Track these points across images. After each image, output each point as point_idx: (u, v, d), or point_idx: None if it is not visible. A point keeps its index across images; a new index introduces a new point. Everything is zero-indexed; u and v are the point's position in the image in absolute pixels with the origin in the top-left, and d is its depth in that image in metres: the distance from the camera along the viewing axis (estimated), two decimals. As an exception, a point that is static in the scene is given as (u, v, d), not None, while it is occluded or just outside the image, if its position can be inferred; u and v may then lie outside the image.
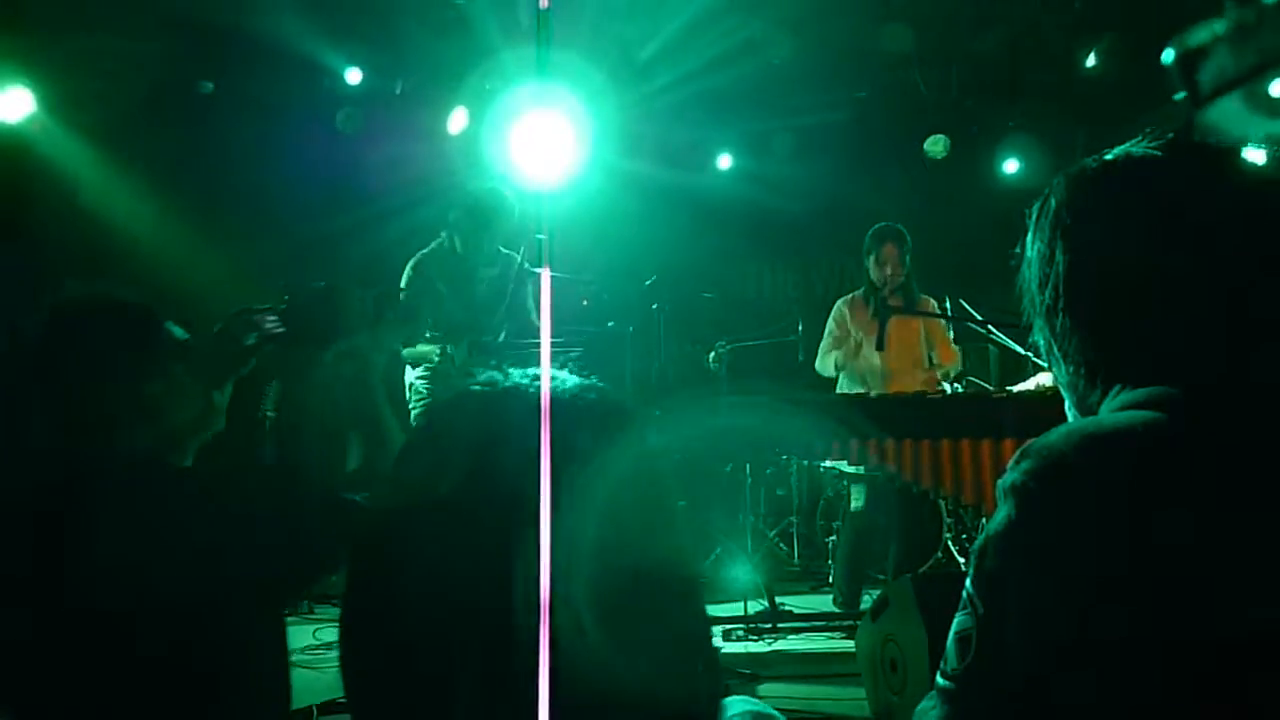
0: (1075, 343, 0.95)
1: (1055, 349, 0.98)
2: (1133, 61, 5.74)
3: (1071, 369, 0.97)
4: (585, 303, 4.93)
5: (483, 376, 0.81)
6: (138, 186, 5.85)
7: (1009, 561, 0.85)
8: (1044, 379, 3.85)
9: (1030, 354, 4.36)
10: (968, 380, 5.06)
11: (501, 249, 4.13)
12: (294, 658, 3.83)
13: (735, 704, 0.77)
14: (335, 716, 2.87)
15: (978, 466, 3.32)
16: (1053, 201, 0.97)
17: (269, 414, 5.27)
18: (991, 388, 5.36)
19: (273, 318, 1.75)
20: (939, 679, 0.91)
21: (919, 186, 6.73)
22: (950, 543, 5.52)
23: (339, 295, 1.76)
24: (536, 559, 0.71)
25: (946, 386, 4.64)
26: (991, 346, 5.79)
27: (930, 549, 4.76)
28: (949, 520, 5.16)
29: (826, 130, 6.58)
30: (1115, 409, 0.89)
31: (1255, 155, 0.90)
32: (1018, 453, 0.87)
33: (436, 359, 4.01)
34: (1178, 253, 0.89)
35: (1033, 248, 0.99)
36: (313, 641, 4.13)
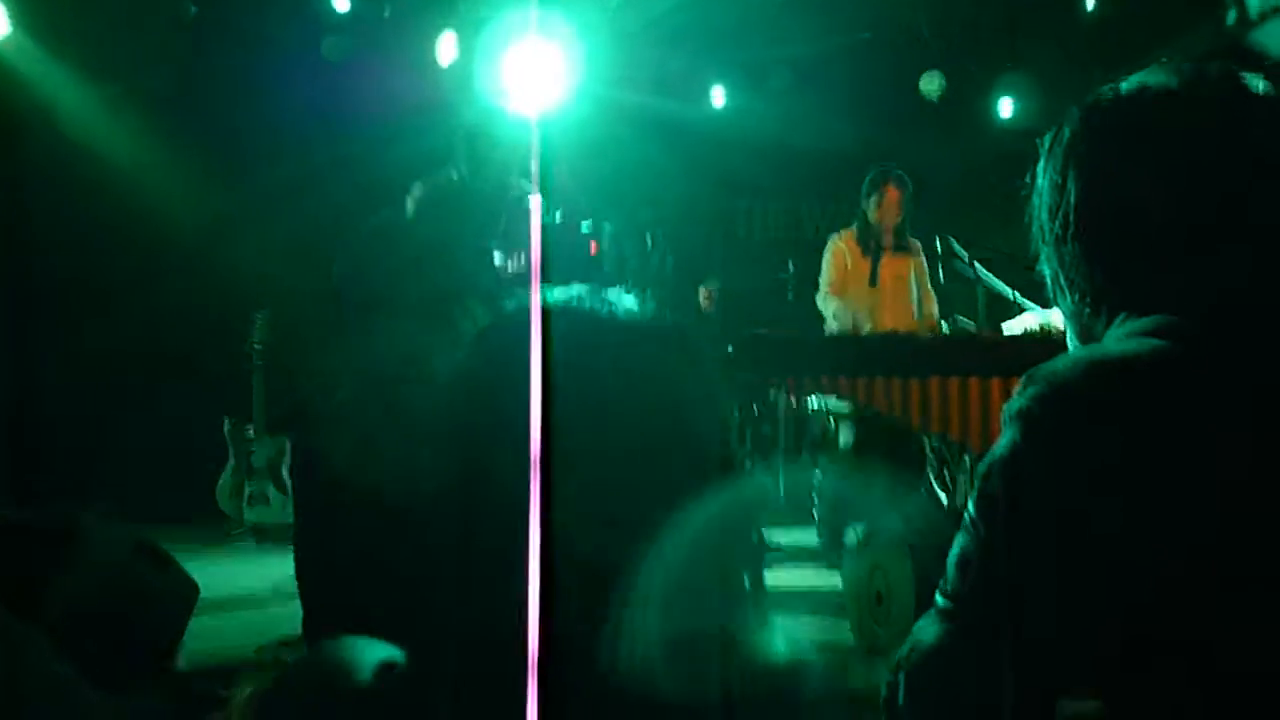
0: (1083, 271, 0.95)
1: (1062, 278, 0.99)
2: (1133, 6, 5.67)
3: (1077, 297, 0.97)
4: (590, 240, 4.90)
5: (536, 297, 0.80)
6: (117, 111, 5.73)
7: (1012, 485, 0.86)
8: (1030, 321, 3.88)
9: (1017, 295, 4.39)
10: (955, 319, 5.09)
11: (508, 177, 4.05)
12: (288, 587, 3.89)
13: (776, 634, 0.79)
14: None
15: (965, 405, 3.36)
16: (1066, 130, 0.97)
17: (256, 345, 5.22)
18: (976, 328, 5.40)
19: None
20: (938, 598, 0.93)
21: (914, 125, 6.67)
22: (933, 478, 5.61)
23: None
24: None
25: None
26: (979, 287, 5.82)
27: (913, 485, 4.83)
28: (931, 459, 5.23)
29: (822, 66, 6.49)
30: (1120, 337, 0.90)
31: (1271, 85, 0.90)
32: (1024, 378, 0.89)
33: None
34: (1187, 184, 0.89)
35: (1044, 176, 0.99)
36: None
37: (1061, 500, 0.84)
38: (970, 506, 0.91)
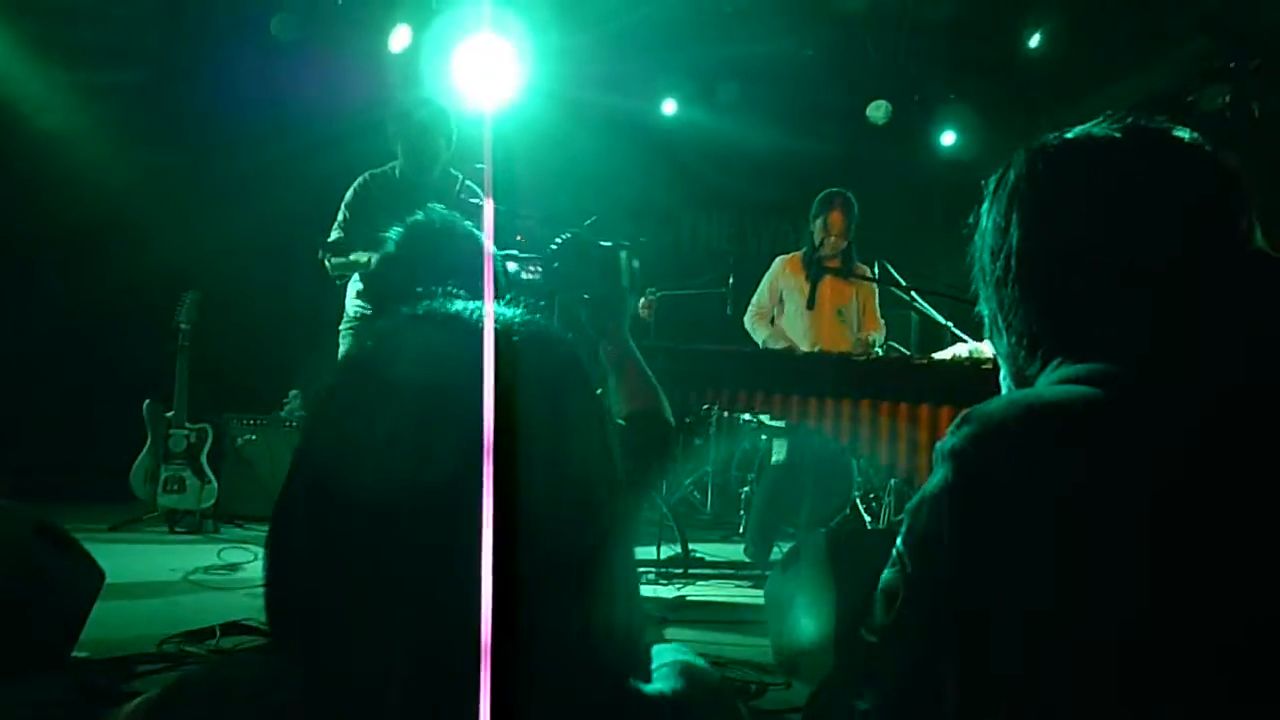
0: (1021, 314, 0.97)
1: (1000, 319, 1.00)
2: (1073, 47, 5.84)
3: (1014, 339, 0.99)
4: (520, 239, 4.86)
5: (421, 306, 0.78)
6: (58, 88, 5.53)
7: (942, 523, 0.86)
8: (961, 349, 3.96)
9: (950, 324, 4.47)
10: (889, 346, 5.17)
11: (450, 170, 4.00)
12: (198, 577, 3.79)
13: (665, 653, 0.78)
14: (239, 637, 2.83)
15: (895, 428, 3.40)
16: (1011, 174, 0.98)
17: (183, 325, 5.06)
18: (911, 353, 5.49)
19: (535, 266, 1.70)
20: (863, 632, 0.93)
21: (858, 149, 6.78)
22: (858, 500, 5.69)
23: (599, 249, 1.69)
24: (484, 495, 0.70)
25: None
26: (913, 313, 5.92)
27: (840, 505, 4.89)
28: (859, 479, 5.30)
29: (772, 83, 6.56)
30: (1054, 382, 0.91)
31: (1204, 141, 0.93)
32: (958, 418, 0.89)
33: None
34: (1125, 235, 0.91)
35: (988, 217, 1.01)
36: (217, 561, 4.07)
37: (988, 539, 0.84)
38: (899, 541, 0.91)
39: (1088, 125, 0.97)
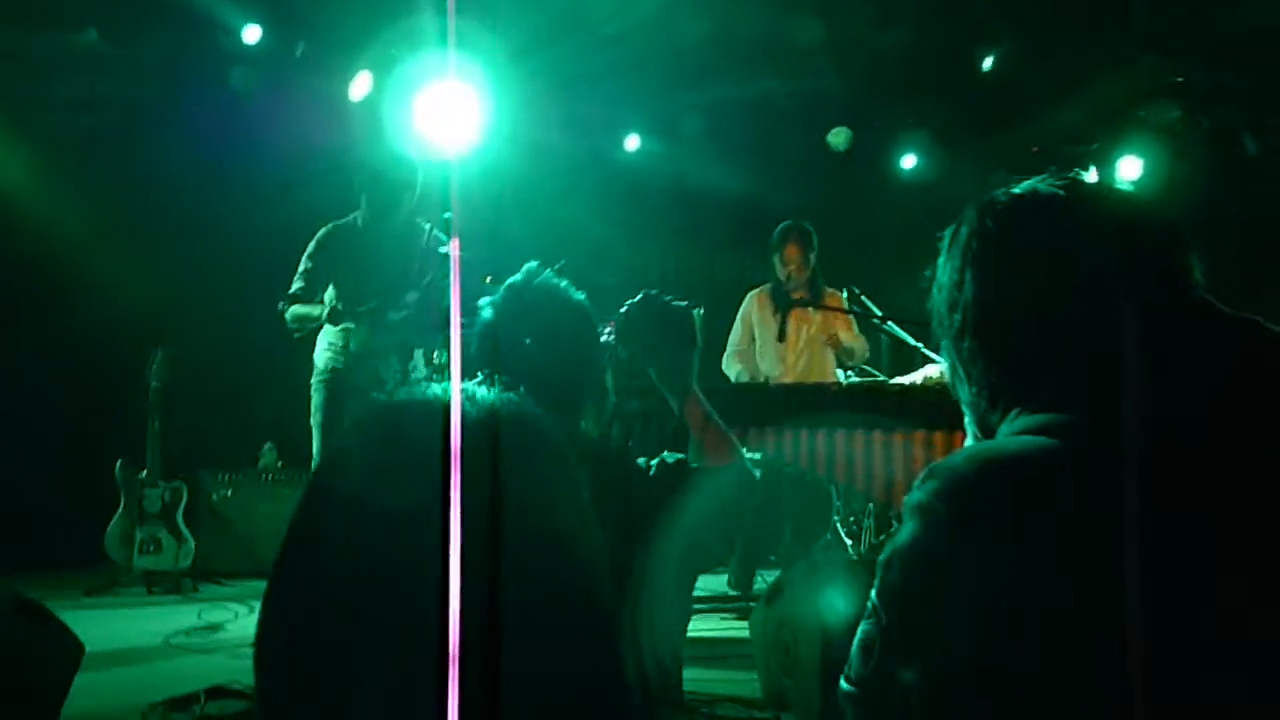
0: (979, 366, 1.00)
1: (960, 370, 1.04)
2: (1026, 68, 5.98)
3: (974, 390, 1.02)
4: (489, 279, 4.88)
5: (407, 391, 0.82)
6: (19, 139, 5.51)
7: (912, 576, 0.90)
8: (931, 371, 4.01)
9: (921, 346, 4.54)
10: (861, 369, 5.23)
11: (416, 219, 4.02)
12: (179, 640, 3.74)
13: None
14: (224, 701, 2.81)
15: (869, 457, 3.45)
16: (963, 230, 1.02)
17: (153, 383, 5.04)
18: (883, 376, 5.55)
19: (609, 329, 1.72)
20: (843, 683, 0.96)
21: (822, 176, 6.87)
22: (839, 525, 5.71)
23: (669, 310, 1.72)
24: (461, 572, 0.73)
25: (842, 375, 4.79)
26: (884, 336, 5.99)
27: (820, 531, 4.92)
28: (838, 504, 5.33)
29: (733, 115, 6.64)
30: (1013, 432, 0.95)
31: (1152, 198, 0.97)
32: (924, 472, 0.92)
33: (337, 337, 3.89)
34: (1071, 289, 0.95)
35: (944, 272, 1.04)
36: (198, 623, 4.03)
37: (957, 591, 0.87)
38: (873, 594, 0.94)
39: (1033, 180, 1.02)
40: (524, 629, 0.73)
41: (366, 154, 4.15)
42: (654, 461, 1.51)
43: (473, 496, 0.74)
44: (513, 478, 0.77)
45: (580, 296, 1.76)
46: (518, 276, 1.75)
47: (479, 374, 1.04)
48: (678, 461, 1.53)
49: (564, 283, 1.75)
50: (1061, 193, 0.98)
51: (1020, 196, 1.01)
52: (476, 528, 0.73)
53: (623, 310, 1.75)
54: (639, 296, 1.75)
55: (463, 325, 1.81)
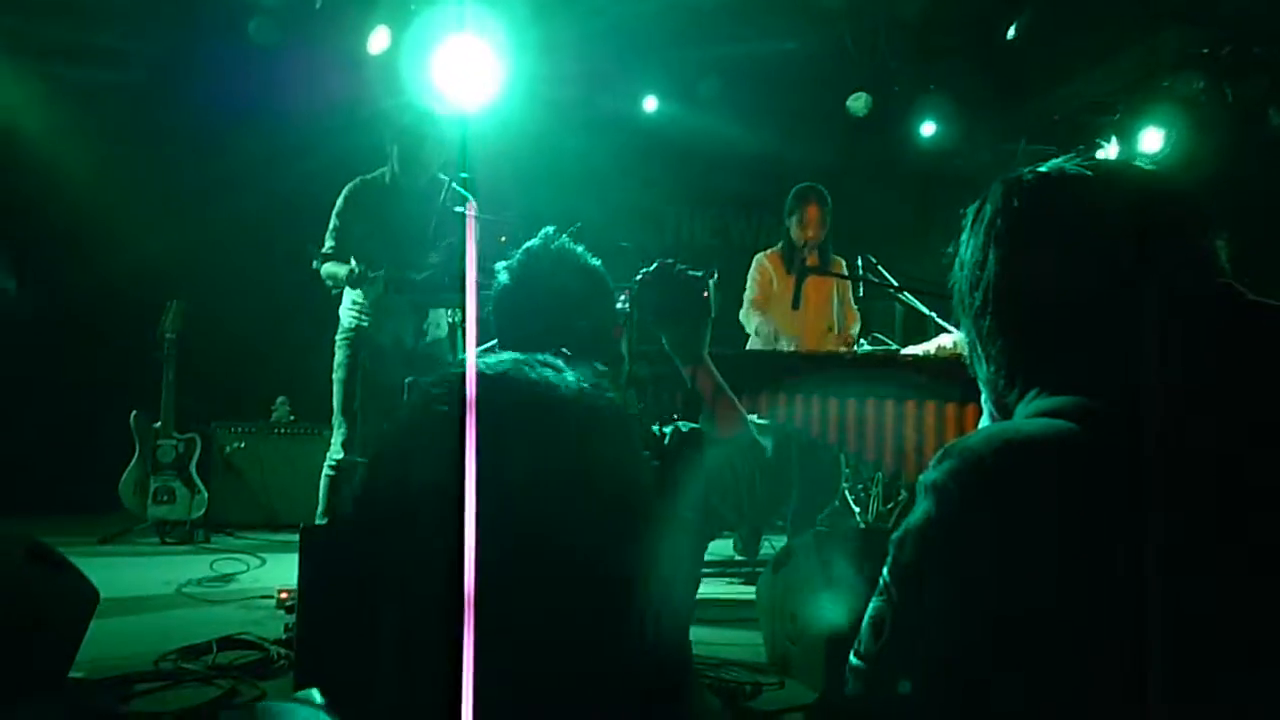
0: (999, 345, 0.99)
1: (979, 348, 1.03)
2: (1050, 36, 5.87)
3: (993, 369, 1.01)
4: (504, 240, 4.86)
5: (479, 361, 0.85)
6: (36, 91, 5.49)
7: (925, 555, 0.89)
8: (944, 340, 3.99)
9: (934, 315, 4.51)
10: (873, 337, 5.21)
11: (439, 175, 3.99)
12: (191, 589, 3.79)
13: None
14: (235, 652, 2.85)
15: (880, 425, 3.44)
16: (988, 208, 1.01)
17: (168, 334, 5.07)
18: (895, 345, 5.53)
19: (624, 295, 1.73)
20: (852, 658, 0.96)
21: (840, 142, 6.80)
22: (847, 493, 5.73)
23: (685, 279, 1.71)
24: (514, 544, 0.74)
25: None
26: (897, 305, 5.96)
27: (828, 498, 4.93)
28: (847, 471, 5.34)
29: (753, 79, 6.57)
30: (1030, 414, 0.94)
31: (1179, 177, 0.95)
32: (940, 452, 0.92)
33: (361, 296, 3.90)
34: (1095, 271, 0.93)
35: (966, 249, 1.03)
36: (210, 573, 4.08)
37: (970, 572, 0.87)
38: (885, 572, 0.94)
39: (1060, 160, 1.00)
40: (611, 599, 0.75)
41: (397, 108, 4.09)
42: (668, 429, 1.51)
43: (561, 472, 0.76)
44: (599, 456, 0.79)
45: (596, 262, 1.75)
46: (534, 241, 1.74)
47: (547, 347, 1.04)
48: (692, 430, 1.53)
49: (580, 248, 1.74)
50: (1088, 173, 0.97)
51: (1047, 175, 0.99)
52: (562, 499, 0.75)
53: (638, 278, 1.74)
54: (654, 265, 1.74)
55: (480, 287, 1.81)
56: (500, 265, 1.71)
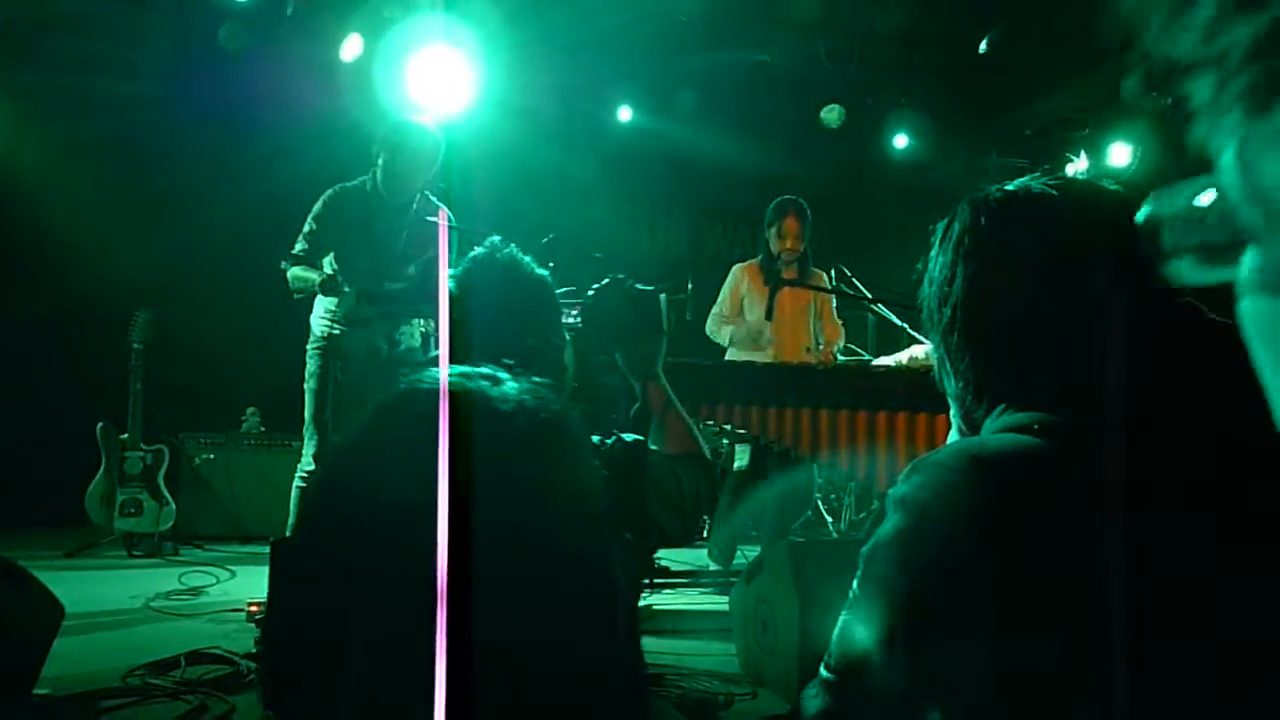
0: (966, 361, 1.01)
1: (947, 364, 1.05)
2: (1020, 52, 5.96)
3: (961, 384, 1.03)
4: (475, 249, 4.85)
5: (427, 376, 0.85)
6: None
7: (894, 569, 0.91)
8: (917, 351, 4.03)
9: (907, 326, 4.55)
10: (846, 347, 5.25)
11: (425, 193, 3.94)
12: (159, 604, 3.75)
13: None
14: (205, 667, 2.82)
15: (853, 436, 3.47)
16: (956, 226, 1.03)
17: (135, 345, 5.00)
18: (869, 355, 5.58)
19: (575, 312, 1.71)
20: (822, 670, 0.97)
21: (813, 153, 6.86)
22: (820, 502, 5.76)
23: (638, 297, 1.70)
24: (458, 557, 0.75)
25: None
26: (869, 315, 6.01)
27: (802, 508, 4.96)
28: (819, 481, 5.37)
29: (728, 90, 6.62)
30: (998, 429, 0.96)
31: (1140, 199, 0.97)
32: (908, 467, 0.93)
33: (334, 304, 3.85)
34: (1060, 289, 0.96)
35: (935, 266, 1.05)
36: (178, 586, 4.03)
37: (938, 586, 0.88)
38: (855, 584, 0.95)
39: (1026, 179, 1.02)
40: (553, 613, 0.75)
41: (392, 116, 4.04)
42: (610, 440, 1.50)
43: (500, 488, 0.76)
44: (540, 469, 0.79)
45: (543, 272, 1.74)
46: (480, 249, 1.72)
47: (490, 359, 1.05)
48: (636, 441, 1.52)
49: (527, 258, 1.73)
50: (1054, 193, 0.99)
51: (1014, 194, 1.01)
52: (501, 518, 0.75)
53: (590, 294, 1.74)
54: (606, 281, 1.74)
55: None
56: (449, 274, 1.70)
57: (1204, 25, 0.76)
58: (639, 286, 1.73)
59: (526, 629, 0.77)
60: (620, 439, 1.50)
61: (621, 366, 1.73)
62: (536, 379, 0.98)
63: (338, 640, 0.80)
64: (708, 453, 1.71)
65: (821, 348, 4.68)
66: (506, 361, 1.04)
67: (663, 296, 1.76)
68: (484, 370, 0.88)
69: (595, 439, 1.46)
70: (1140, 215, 0.81)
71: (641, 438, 1.56)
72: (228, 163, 5.55)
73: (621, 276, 1.75)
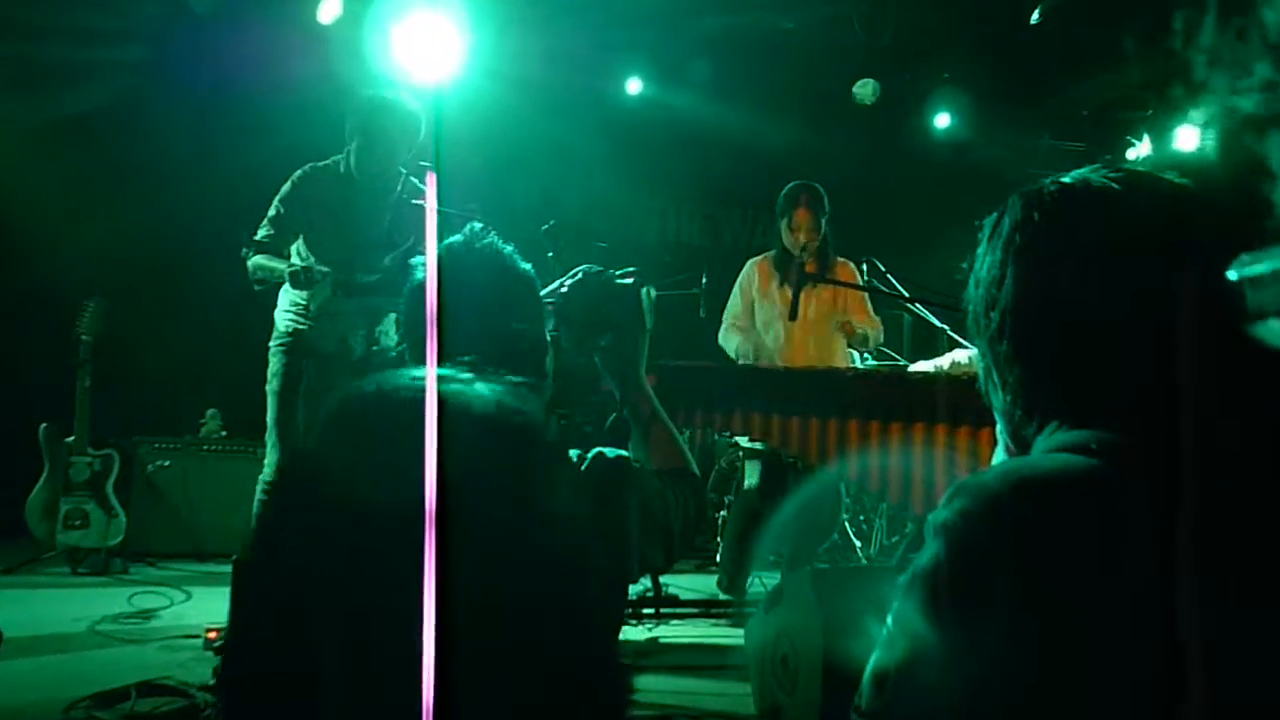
0: (1016, 373, 1.01)
1: (994, 375, 1.05)
2: (1077, 22, 5.95)
3: (1009, 398, 1.03)
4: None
5: (404, 377, 0.86)
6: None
7: (936, 600, 0.91)
8: (958, 356, 4.02)
9: (948, 328, 4.53)
10: (880, 351, 5.24)
11: (401, 170, 3.92)
12: (106, 627, 3.76)
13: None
14: (156, 699, 2.83)
15: (885, 451, 3.46)
16: (1006, 222, 1.03)
17: (84, 337, 5.03)
18: (904, 360, 5.57)
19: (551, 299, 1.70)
20: (853, 715, 0.98)
21: (844, 132, 6.86)
22: (848, 525, 5.76)
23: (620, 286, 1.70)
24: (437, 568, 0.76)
25: (857, 358, 4.78)
26: (905, 315, 6.01)
27: (826, 531, 4.96)
28: (847, 501, 5.37)
29: (749, 61, 6.61)
30: (1050, 448, 0.96)
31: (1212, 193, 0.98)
32: (950, 489, 0.94)
33: (302, 297, 3.85)
34: (1121, 295, 0.95)
35: (982, 266, 1.05)
36: (128, 608, 4.05)
37: (984, 618, 0.89)
38: (889, 620, 0.96)
39: (1084, 170, 1.02)
40: (530, 619, 0.76)
41: (364, 90, 4.02)
42: (589, 455, 1.48)
43: (470, 492, 0.77)
44: (510, 474, 0.80)
45: (526, 266, 1.72)
46: (457, 237, 1.70)
47: (460, 356, 1.06)
48: (618, 457, 1.50)
49: (509, 249, 1.70)
50: (1116, 186, 0.99)
51: (1071, 187, 1.01)
52: (471, 522, 0.76)
53: (561, 288, 1.72)
54: (578, 274, 1.72)
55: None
56: (417, 260, 1.68)
57: None
58: (618, 278, 1.72)
59: (502, 632, 0.78)
60: (602, 454, 1.48)
61: (601, 370, 1.72)
62: (513, 378, 0.98)
63: (304, 672, 0.81)
64: (695, 467, 1.70)
65: (849, 342, 4.61)
66: (465, 360, 1.04)
67: (648, 289, 1.75)
68: (450, 371, 0.89)
69: (574, 454, 1.44)
70: (1233, 273, 0.81)
71: (625, 453, 1.55)
72: (194, 136, 5.56)
73: (597, 268, 1.74)
